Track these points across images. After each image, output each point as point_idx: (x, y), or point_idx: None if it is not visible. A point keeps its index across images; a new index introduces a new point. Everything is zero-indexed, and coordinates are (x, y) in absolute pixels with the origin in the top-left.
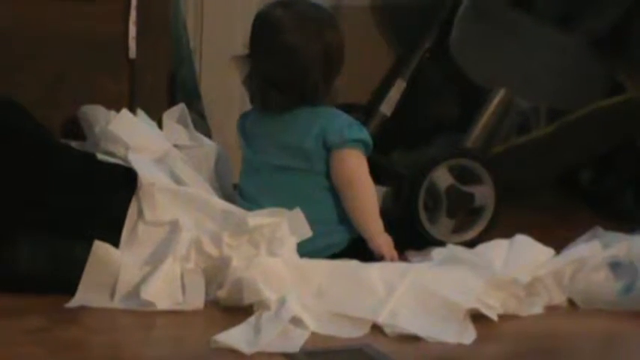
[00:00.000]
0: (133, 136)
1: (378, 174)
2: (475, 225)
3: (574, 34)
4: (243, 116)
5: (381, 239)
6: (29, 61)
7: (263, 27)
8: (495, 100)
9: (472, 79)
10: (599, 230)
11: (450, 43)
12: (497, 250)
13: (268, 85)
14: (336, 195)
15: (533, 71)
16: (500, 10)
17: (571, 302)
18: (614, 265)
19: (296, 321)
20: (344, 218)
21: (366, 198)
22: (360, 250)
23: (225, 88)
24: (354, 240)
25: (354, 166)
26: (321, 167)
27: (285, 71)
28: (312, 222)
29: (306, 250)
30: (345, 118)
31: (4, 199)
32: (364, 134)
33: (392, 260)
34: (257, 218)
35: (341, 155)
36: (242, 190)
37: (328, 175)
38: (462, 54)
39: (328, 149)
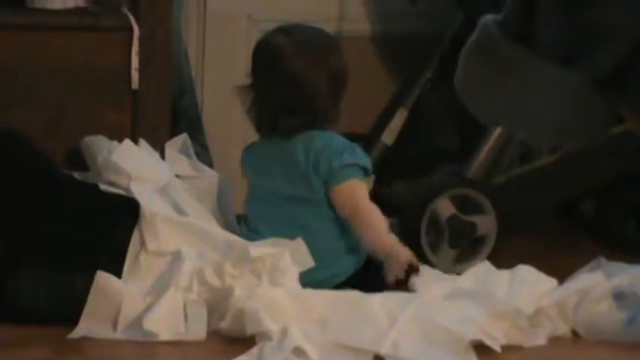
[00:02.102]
0: (136, 167)
1: (379, 205)
2: (477, 255)
3: (578, 72)
4: (247, 149)
5: (400, 247)
6: (32, 93)
7: (266, 55)
8: (495, 133)
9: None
10: (603, 260)
11: (454, 79)
12: (499, 280)
13: (276, 111)
14: (340, 225)
15: (536, 110)
16: (503, 48)
17: (574, 333)
18: (618, 296)
19: (299, 352)
20: (348, 248)
21: (374, 220)
22: (364, 279)
23: (227, 118)
24: (358, 270)
25: (355, 198)
26: (322, 197)
27: (293, 97)
28: (316, 252)
29: (309, 279)
30: (335, 145)
31: (6, 231)
32: (357, 157)
33: (415, 267)
34: (259, 248)
35: (338, 191)
36: (247, 219)
37: (331, 205)
38: (465, 92)
39: (325, 185)
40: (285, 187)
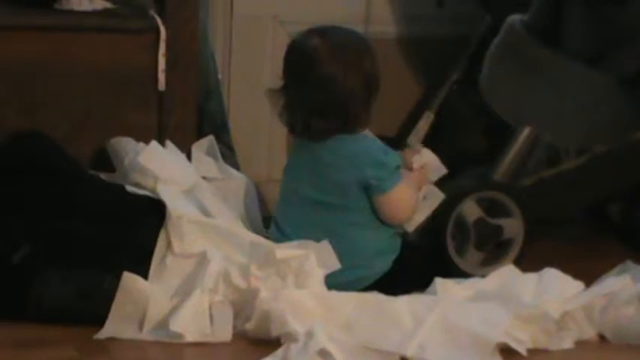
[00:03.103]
0: (162, 168)
1: None
2: (503, 258)
3: (604, 72)
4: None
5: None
6: (59, 94)
7: (300, 57)
8: (522, 135)
9: (501, 117)
10: (630, 264)
11: (479, 79)
12: (526, 283)
13: (310, 113)
14: (367, 229)
15: (563, 110)
16: (530, 48)
17: (602, 337)
18: None
19: (324, 354)
20: (376, 252)
21: (412, 212)
22: (390, 282)
23: (253, 120)
24: (384, 273)
25: (401, 206)
26: (357, 204)
27: (326, 100)
28: (343, 256)
29: (335, 282)
30: (372, 150)
31: (34, 231)
32: (394, 159)
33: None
34: (285, 250)
35: (383, 201)
36: (277, 222)
37: (364, 211)
38: (491, 92)
39: (368, 194)
40: (313, 192)
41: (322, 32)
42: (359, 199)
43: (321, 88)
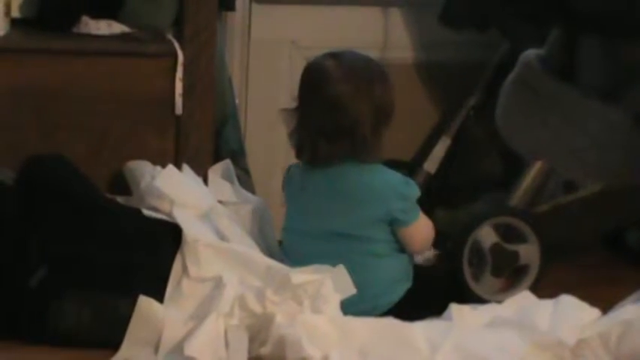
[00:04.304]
0: (178, 192)
1: None
2: (520, 284)
3: (619, 108)
4: (290, 170)
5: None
6: (76, 118)
7: (313, 77)
8: (536, 166)
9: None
10: None
11: (496, 111)
12: (541, 310)
13: (317, 135)
14: (389, 258)
15: (576, 146)
16: (545, 83)
17: None
18: None
19: None
20: (395, 280)
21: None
22: (406, 308)
23: (270, 144)
24: (400, 300)
25: (425, 236)
26: (380, 236)
27: (334, 122)
28: (364, 285)
29: (355, 311)
30: (393, 183)
31: (51, 255)
32: (414, 191)
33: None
34: (301, 275)
35: (410, 233)
36: (286, 250)
37: (385, 242)
38: (506, 124)
39: (393, 226)
40: (330, 223)
41: (337, 55)
42: (382, 231)
43: (328, 108)
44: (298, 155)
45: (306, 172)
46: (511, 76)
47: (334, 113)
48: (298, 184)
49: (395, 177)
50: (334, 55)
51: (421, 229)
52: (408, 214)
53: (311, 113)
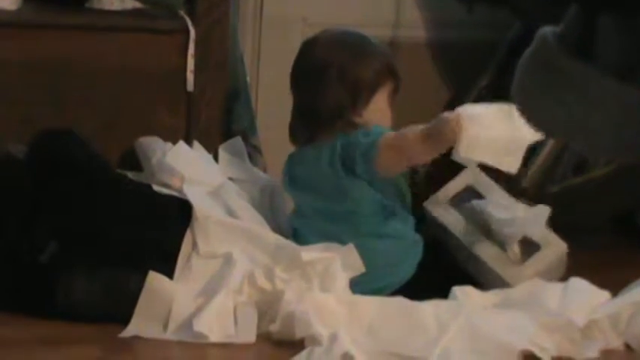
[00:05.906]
0: (189, 169)
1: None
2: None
3: (636, 86)
4: (290, 158)
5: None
6: (87, 94)
7: (300, 51)
8: (550, 142)
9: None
10: None
11: (511, 90)
12: (551, 292)
13: (298, 115)
14: (382, 240)
15: (594, 123)
16: (561, 60)
17: (627, 346)
18: None
19: (347, 357)
20: (398, 261)
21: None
22: (415, 288)
23: (281, 121)
24: (409, 279)
25: (396, 159)
26: (359, 207)
27: (308, 97)
28: (366, 267)
29: (362, 290)
30: (352, 137)
31: (61, 230)
32: (374, 134)
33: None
34: (310, 253)
35: (379, 164)
36: (294, 231)
37: (370, 218)
38: (521, 101)
39: (357, 172)
40: (317, 200)
41: (327, 30)
42: (358, 198)
43: (307, 80)
44: (290, 139)
45: (297, 157)
46: (527, 52)
47: (307, 86)
48: (290, 171)
49: (357, 132)
50: (324, 31)
51: (391, 158)
52: (359, 144)
53: (293, 94)
